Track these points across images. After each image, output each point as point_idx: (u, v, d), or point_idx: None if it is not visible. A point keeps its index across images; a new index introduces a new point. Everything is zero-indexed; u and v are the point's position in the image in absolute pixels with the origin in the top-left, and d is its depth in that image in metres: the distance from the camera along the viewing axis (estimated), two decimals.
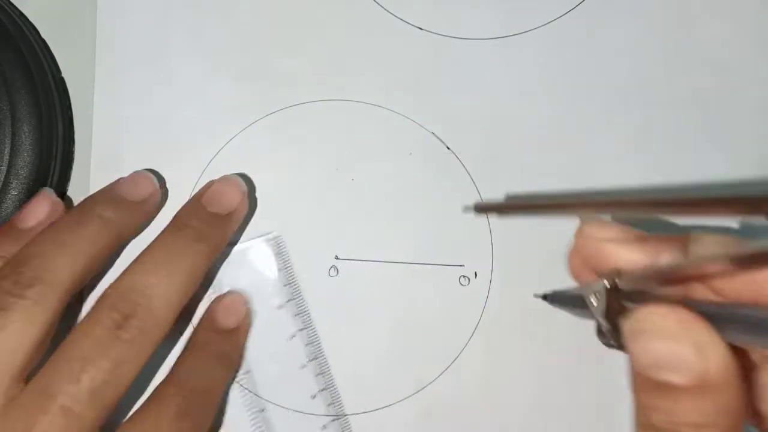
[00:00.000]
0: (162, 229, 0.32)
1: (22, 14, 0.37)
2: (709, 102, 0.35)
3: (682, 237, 0.21)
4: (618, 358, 0.34)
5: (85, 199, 0.33)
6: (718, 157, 0.34)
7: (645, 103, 0.35)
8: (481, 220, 0.35)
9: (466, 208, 0.34)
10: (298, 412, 0.34)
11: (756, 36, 0.35)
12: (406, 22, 0.36)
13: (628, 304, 0.20)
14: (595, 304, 0.22)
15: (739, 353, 0.18)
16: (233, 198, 0.33)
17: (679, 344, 0.17)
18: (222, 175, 0.35)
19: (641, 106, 0.35)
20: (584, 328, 0.34)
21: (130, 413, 0.29)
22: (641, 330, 0.18)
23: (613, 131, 0.35)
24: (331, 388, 0.35)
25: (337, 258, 0.35)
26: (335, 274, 0.35)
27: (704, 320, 0.17)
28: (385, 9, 0.36)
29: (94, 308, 0.28)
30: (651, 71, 0.35)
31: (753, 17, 0.35)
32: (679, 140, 0.35)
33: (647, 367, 0.18)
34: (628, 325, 0.19)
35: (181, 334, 0.35)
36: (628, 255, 0.22)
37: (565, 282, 0.31)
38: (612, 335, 0.22)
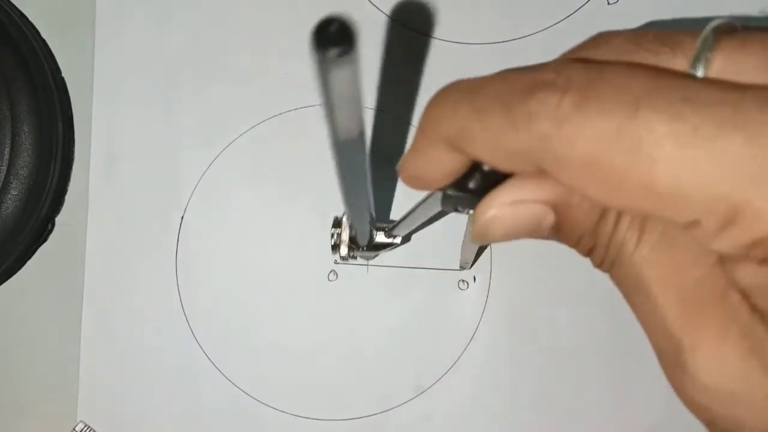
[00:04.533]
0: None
1: (22, 14, 0.37)
2: None
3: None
4: (619, 361, 0.34)
5: None
6: None
7: None
8: None
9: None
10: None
11: None
12: (406, 26, 0.36)
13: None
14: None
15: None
16: None
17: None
18: (221, 177, 0.35)
19: None
20: (584, 332, 0.34)
21: None
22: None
23: None
24: None
25: (336, 262, 0.35)
26: (335, 278, 0.36)
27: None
28: (385, 14, 0.36)
29: None
30: None
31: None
32: None
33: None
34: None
35: None
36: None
37: (565, 286, 0.31)
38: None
